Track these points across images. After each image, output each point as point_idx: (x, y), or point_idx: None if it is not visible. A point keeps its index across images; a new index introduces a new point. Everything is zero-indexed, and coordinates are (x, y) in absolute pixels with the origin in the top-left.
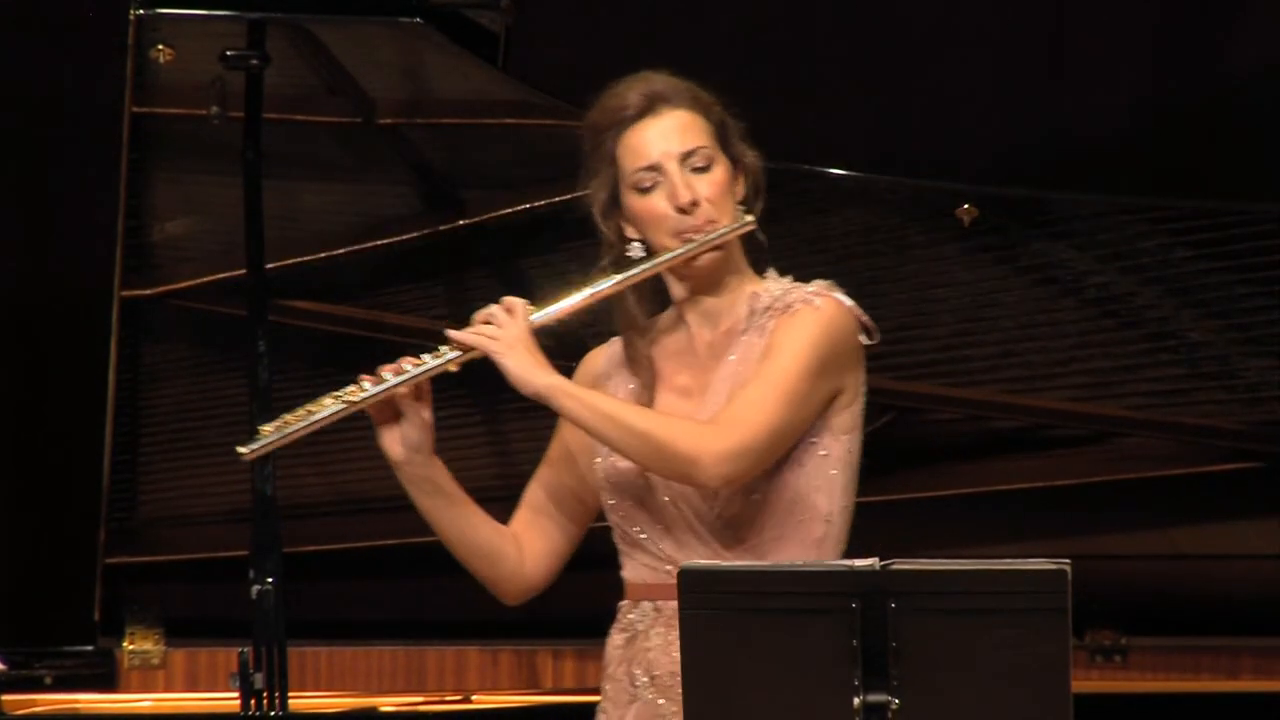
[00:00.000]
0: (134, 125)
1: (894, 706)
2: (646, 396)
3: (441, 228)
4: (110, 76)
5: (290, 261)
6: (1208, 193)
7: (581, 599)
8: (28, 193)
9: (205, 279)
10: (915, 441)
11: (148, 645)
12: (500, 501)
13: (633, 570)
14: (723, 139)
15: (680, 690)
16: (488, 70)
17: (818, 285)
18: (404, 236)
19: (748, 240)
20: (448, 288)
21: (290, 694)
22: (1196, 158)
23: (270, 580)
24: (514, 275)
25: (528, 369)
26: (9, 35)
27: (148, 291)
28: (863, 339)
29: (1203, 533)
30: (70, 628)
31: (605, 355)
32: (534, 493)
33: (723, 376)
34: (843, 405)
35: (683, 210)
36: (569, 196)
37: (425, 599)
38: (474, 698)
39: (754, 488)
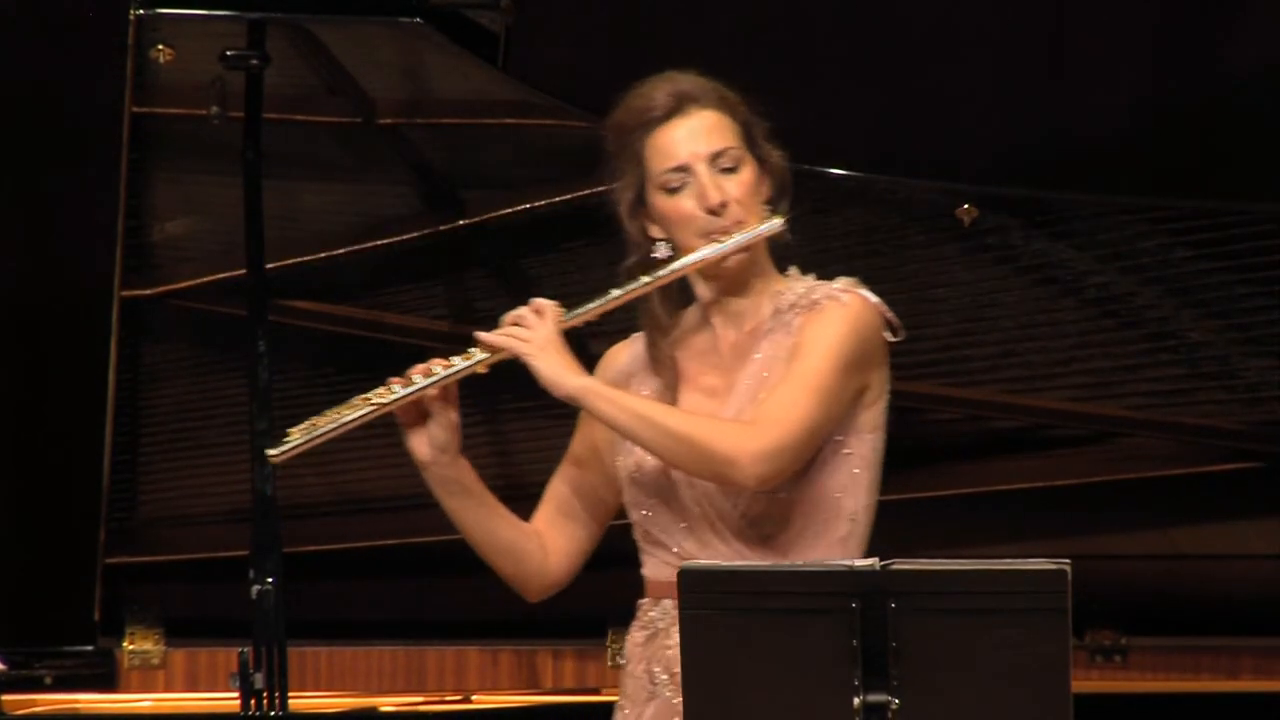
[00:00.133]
0: (134, 125)
1: (894, 706)
2: (670, 396)
3: (441, 228)
4: (110, 76)
5: (290, 261)
6: (1208, 193)
7: (582, 599)
8: (28, 193)
9: (205, 279)
10: (915, 441)
11: (148, 645)
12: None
13: (653, 568)
14: (749, 139)
15: None
16: (488, 70)
17: (843, 282)
18: (404, 236)
19: (771, 239)
20: (448, 288)
21: (290, 694)
22: (1196, 158)
23: (270, 580)
24: (514, 275)
25: (559, 371)
26: (9, 35)
27: (148, 291)
28: (887, 335)
29: (1203, 533)
30: (70, 628)
31: (628, 353)
32: (557, 490)
33: (748, 375)
34: (868, 403)
35: (712, 211)
36: (569, 196)
37: (425, 599)
38: (474, 698)
39: (779, 486)
